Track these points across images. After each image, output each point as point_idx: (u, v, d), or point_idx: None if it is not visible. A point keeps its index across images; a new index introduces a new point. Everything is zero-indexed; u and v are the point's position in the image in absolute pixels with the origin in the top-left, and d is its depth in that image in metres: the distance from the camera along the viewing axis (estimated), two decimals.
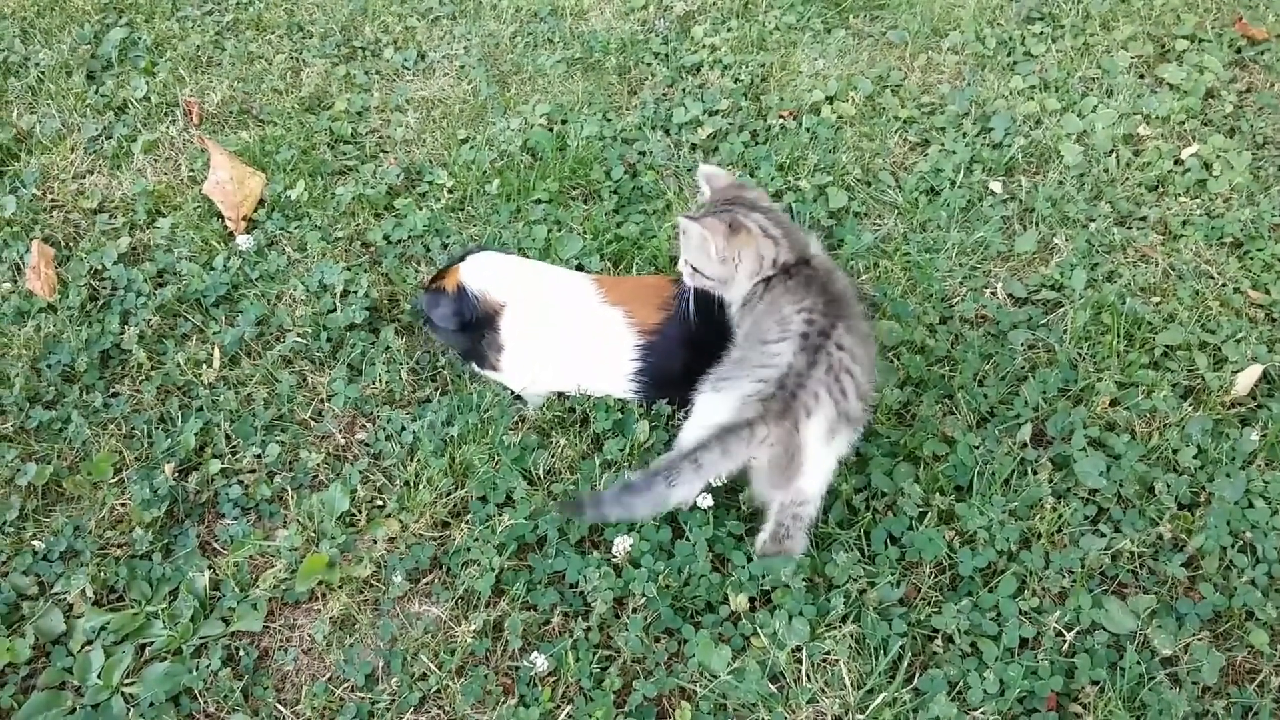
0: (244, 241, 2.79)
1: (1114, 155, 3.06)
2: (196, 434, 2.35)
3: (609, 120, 3.23)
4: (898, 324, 2.56)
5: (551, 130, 3.17)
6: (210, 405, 2.42)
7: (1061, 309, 2.64)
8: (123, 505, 2.25)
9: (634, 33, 3.60)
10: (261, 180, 2.97)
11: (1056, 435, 2.34)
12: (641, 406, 2.37)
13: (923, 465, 2.28)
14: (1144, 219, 2.86)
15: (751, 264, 2.08)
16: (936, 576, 2.10)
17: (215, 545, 2.21)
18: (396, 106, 3.32)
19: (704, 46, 3.56)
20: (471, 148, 3.11)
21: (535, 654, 1.97)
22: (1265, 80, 3.30)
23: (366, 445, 2.38)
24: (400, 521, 2.21)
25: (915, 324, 2.57)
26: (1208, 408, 2.37)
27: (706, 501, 2.13)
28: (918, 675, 1.96)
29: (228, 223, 2.86)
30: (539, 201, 2.94)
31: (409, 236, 2.84)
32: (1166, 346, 2.50)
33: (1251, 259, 2.72)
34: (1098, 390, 2.40)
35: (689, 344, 2.27)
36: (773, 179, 3.02)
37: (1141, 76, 3.35)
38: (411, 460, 2.31)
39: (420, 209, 2.92)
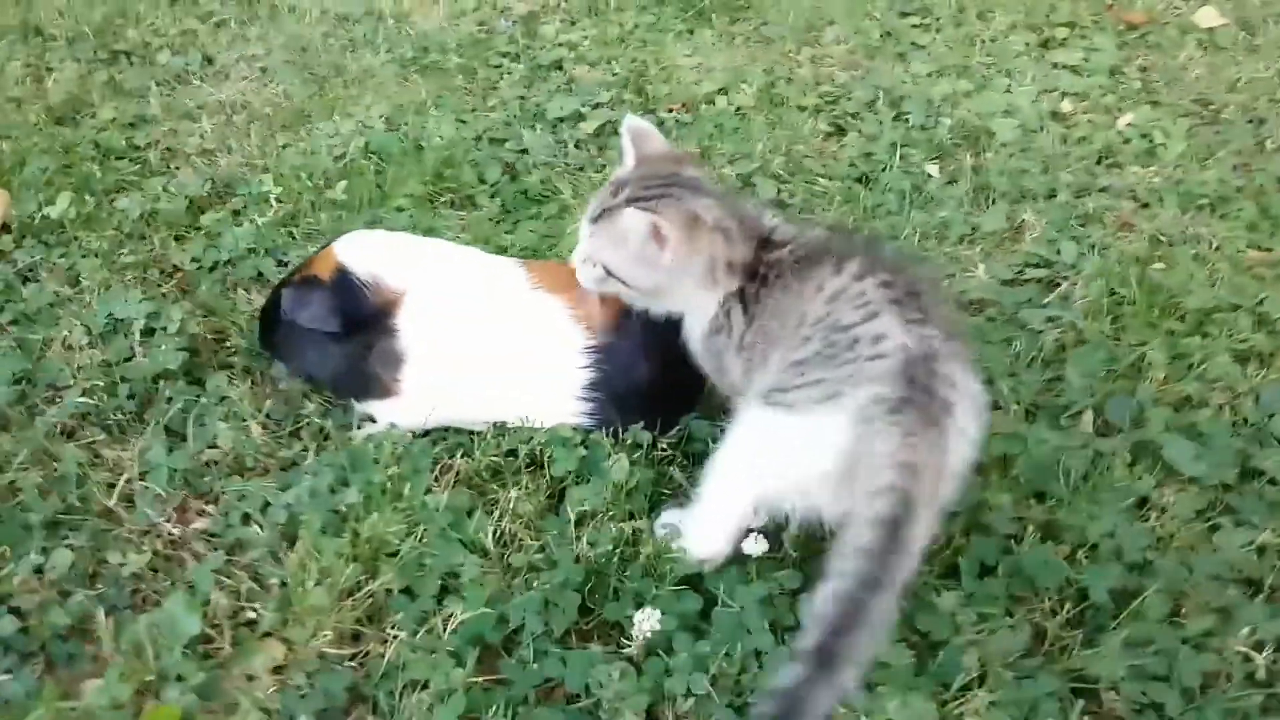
0: None
1: (1045, 131, 2.73)
2: None
3: (464, 121, 2.60)
4: None
5: (396, 132, 2.50)
6: None
7: (1059, 285, 2.22)
8: None
9: (473, 34, 3.01)
10: (4, 199, 2.12)
11: (1123, 421, 1.87)
12: (611, 436, 1.71)
13: (992, 471, 1.74)
14: (1105, 189, 2.52)
15: (701, 271, 1.53)
16: (1061, 608, 1.55)
17: None
18: (184, 114, 2.55)
19: (560, 44, 3.02)
20: (298, 152, 2.38)
21: None
22: (1158, 59, 3.11)
23: (212, 536, 1.58)
24: (286, 641, 1.43)
25: None
26: (1275, 370, 1.98)
27: (759, 547, 1.49)
28: None
29: None
30: (400, 209, 2.25)
31: (230, 258, 2.07)
32: (1198, 311, 2.11)
33: (1236, 218, 2.41)
34: (1149, 364, 1.96)
35: (657, 348, 1.66)
36: None
37: (1037, 61, 3.08)
38: (291, 548, 1.53)
39: (239, 224, 2.16)
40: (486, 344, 1.67)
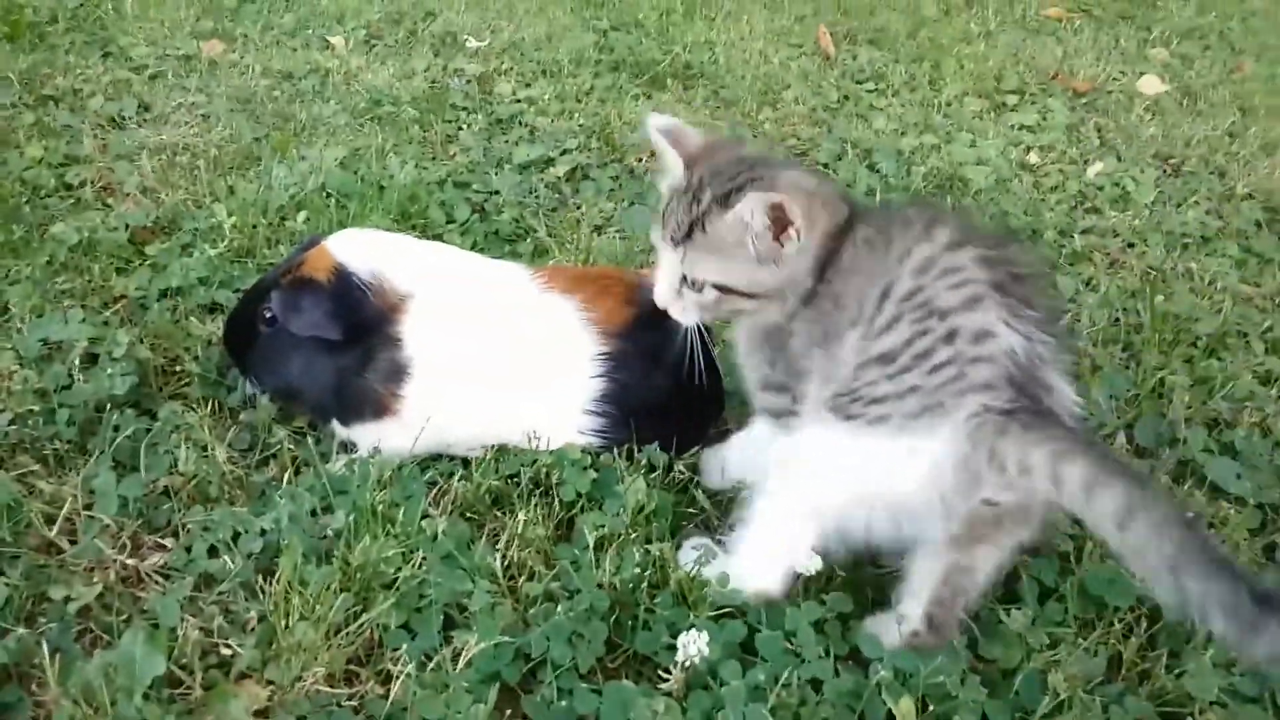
0: None
1: (1019, 180, 2.71)
2: None
3: (426, 167, 2.45)
4: None
5: (354, 174, 2.34)
6: None
7: (1061, 317, 2.14)
8: None
9: (426, 91, 2.89)
10: None
11: (1153, 442, 1.77)
12: (624, 458, 1.54)
13: None
14: (1089, 230, 2.48)
15: (817, 249, 1.33)
16: (1134, 630, 1.40)
17: None
18: (121, 154, 2.35)
19: (519, 100, 2.92)
20: (251, 190, 2.20)
21: None
22: (1110, 121, 3.15)
23: (171, 572, 1.35)
24: (268, 682, 1.20)
25: None
26: None
27: (813, 564, 1.31)
28: None
29: None
30: None
31: (179, 286, 1.87)
32: (1210, 337, 2.04)
33: (1224, 256, 2.39)
34: (1171, 387, 1.88)
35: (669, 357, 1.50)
36: None
37: (995, 121, 3.09)
38: (268, 580, 1.31)
39: (188, 254, 1.96)
40: (498, 353, 1.50)
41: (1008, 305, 1.22)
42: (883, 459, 1.23)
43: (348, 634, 1.25)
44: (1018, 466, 1.17)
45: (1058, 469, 1.15)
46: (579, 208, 2.36)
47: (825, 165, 2.71)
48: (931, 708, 1.26)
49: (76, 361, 1.61)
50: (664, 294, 1.38)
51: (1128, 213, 2.58)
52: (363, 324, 1.45)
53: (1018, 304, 1.23)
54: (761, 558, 1.35)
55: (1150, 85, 3.40)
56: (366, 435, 1.53)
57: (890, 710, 1.23)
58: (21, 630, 1.20)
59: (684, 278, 1.35)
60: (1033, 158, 2.84)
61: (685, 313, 1.39)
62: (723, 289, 1.34)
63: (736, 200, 1.29)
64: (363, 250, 1.50)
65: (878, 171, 2.68)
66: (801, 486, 1.31)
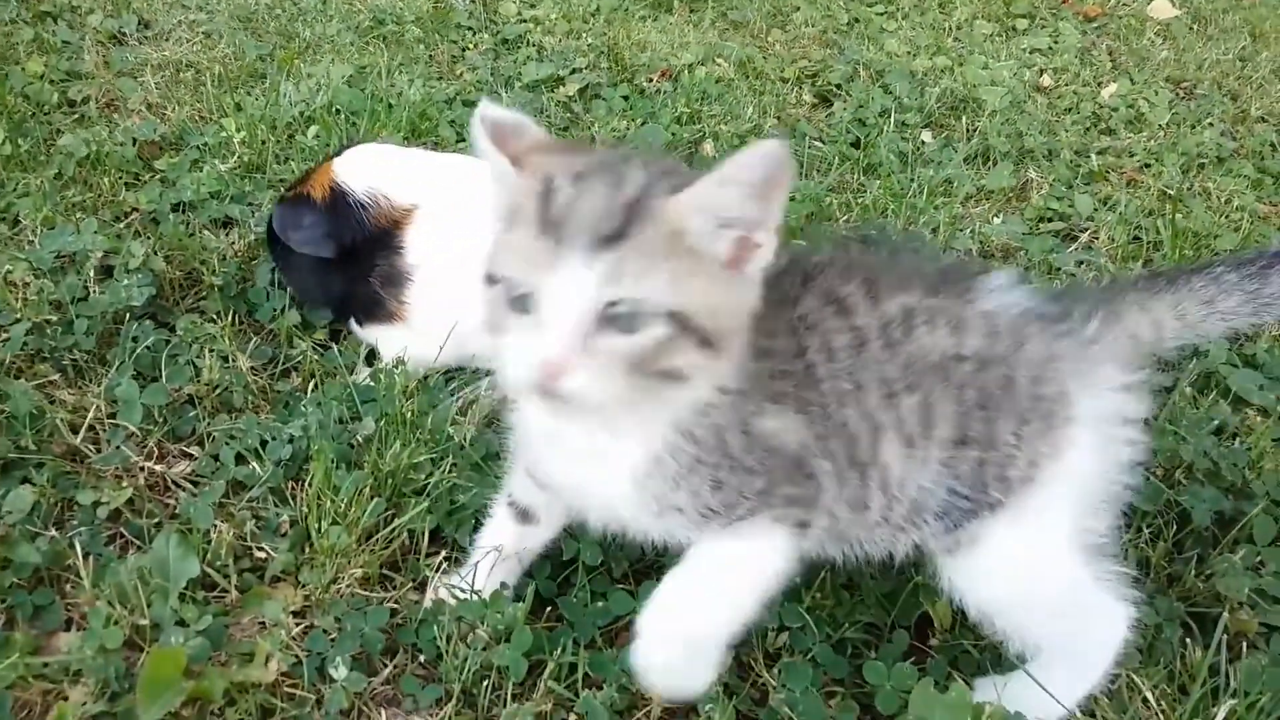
0: None
1: (1033, 101, 2.68)
2: None
3: (434, 86, 2.40)
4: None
5: (362, 91, 2.30)
6: None
7: (1077, 236, 2.13)
8: None
9: (430, 10, 2.83)
10: None
11: (1176, 355, 1.76)
12: None
13: None
14: (1105, 151, 2.46)
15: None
16: (1161, 535, 1.40)
17: None
18: (124, 71, 2.30)
19: (524, 20, 2.86)
20: (258, 105, 2.16)
21: None
22: (1121, 45, 3.11)
23: (199, 479, 1.34)
24: (302, 585, 1.20)
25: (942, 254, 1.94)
26: None
27: None
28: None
29: None
30: None
31: (192, 200, 1.83)
32: (1228, 252, 2.03)
33: (1240, 176, 2.37)
34: None
35: None
36: (674, 133, 2.33)
37: (1006, 44, 3.05)
38: (300, 486, 1.30)
39: (198, 169, 1.92)
40: None
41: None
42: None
43: (381, 538, 1.25)
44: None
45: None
46: (591, 126, 2.33)
47: (838, 87, 2.67)
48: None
49: (91, 273, 1.58)
50: (558, 350, 0.84)
51: (1142, 134, 2.55)
52: (358, 241, 1.45)
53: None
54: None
55: (1161, 10, 3.35)
56: (383, 339, 1.53)
57: (928, 612, 1.24)
58: (52, 532, 1.19)
59: (605, 310, 0.85)
60: (1046, 80, 2.81)
61: (594, 380, 0.85)
62: (672, 318, 0.86)
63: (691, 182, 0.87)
64: (364, 169, 1.49)
65: (891, 93, 2.64)
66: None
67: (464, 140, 2.22)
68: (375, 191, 1.50)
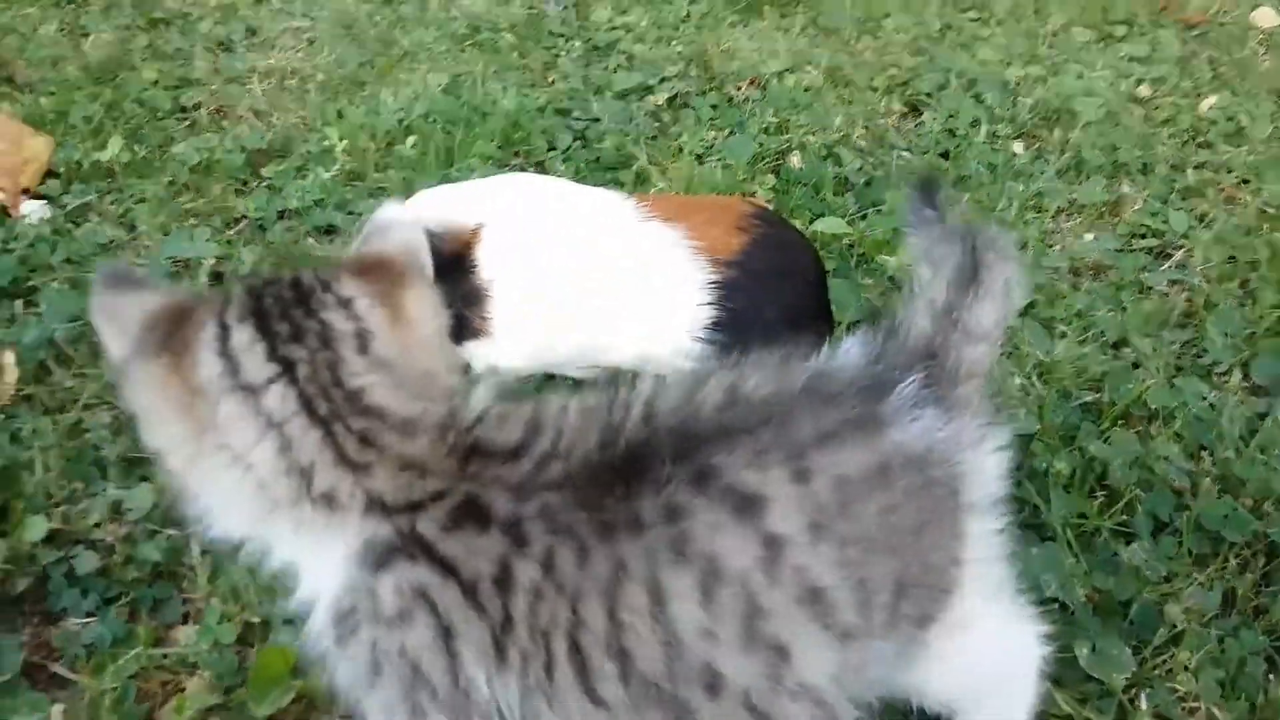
0: (33, 210, 1.76)
1: (1129, 112, 2.64)
2: None
3: (526, 94, 2.46)
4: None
5: (458, 99, 2.36)
6: (11, 440, 1.37)
7: (1171, 255, 2.10)
8: None
9: (524, 16, 2.89)
10: (48, 144, 1.95)
11: (1271, 381, 1.74)
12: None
13: (1151, 422, 1.59)
14: (1202, 166, 2.41)
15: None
16: (1248, 566, 1.39)
17: (57, 668, 1.15)
18: (232, 78, 2.40)
19: (615, 27, 2.91)
20: (359, 114, 2.24)
21: None
22: (1222, 54, 3.04)
23: None
24: None
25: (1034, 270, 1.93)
26: None
27: None
28: None
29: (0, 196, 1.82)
30: (472, 170, 2.11)
31: (295, 208, 1.91)
32: None
33: None
34: None
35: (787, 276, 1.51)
36: (760, 144, 2.35)
37: (1104, 52, 3.01)
38: None
39: (303, 177, 2.00)
40: (583, 274, 1.51)
41: None
42: None
43: None
44: None
45: None
46: (680, 136, 2.36)
47: (928, 96, 2.66)
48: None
49: (205, 279, 1.67)
50: None
51: (1242, 148, 2.50)
52: (440, 268, 1.49)
53: None
54: None
55: (1265, 18, 3.26)
56: (475, 355, 1.58)
57: None
58: (172, 531, 1.27)
59: None
60: (1143, 90, 2.76)
61: None
62: None
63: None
64: (428, 202, 1.53)
65: (983, 103, 2.63)
66: None
67: (554, 149, 2.27)
68: (442, 222, 1.53)
